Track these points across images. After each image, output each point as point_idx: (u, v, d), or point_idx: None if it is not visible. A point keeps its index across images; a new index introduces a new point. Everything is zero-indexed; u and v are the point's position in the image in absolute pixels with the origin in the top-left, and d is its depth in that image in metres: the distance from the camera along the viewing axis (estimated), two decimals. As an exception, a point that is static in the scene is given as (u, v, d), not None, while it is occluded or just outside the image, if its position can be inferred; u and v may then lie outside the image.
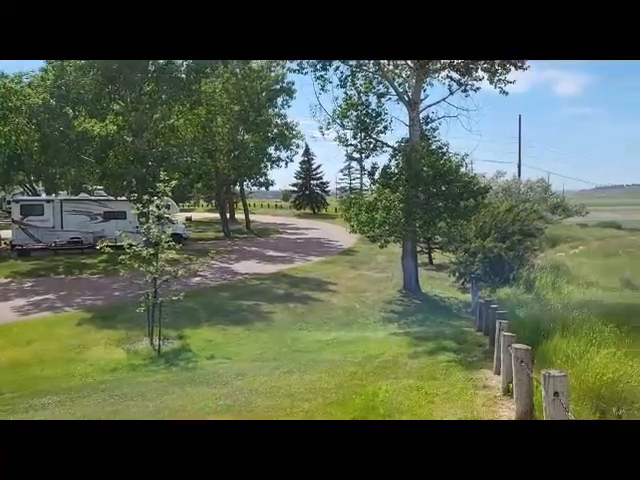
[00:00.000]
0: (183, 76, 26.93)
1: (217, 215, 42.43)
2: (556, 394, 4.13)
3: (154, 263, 12.61)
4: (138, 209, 13.88)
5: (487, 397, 7.08)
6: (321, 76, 19.76)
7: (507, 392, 6.98)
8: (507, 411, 6.36)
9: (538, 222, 28.62)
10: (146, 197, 14.41)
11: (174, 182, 13.89)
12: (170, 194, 13.83)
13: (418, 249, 24.62)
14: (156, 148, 27.28)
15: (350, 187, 56.14)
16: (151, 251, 12.64)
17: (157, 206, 13.11)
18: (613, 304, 14.94)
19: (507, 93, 19.16)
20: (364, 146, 20.53)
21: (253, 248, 31.63)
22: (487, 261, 20.56)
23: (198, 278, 20.30)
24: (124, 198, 26.59)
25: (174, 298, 12.57)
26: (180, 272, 12.85)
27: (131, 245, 12.49)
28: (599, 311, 12.63)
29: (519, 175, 47.52)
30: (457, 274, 21.86)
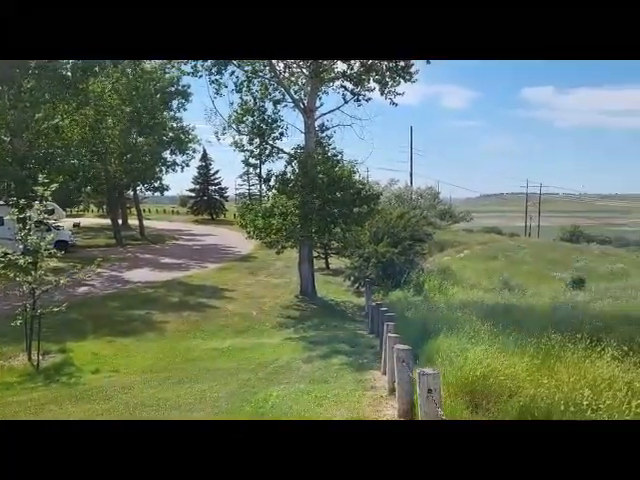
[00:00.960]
0: (69, 74, 25.36)
1: (108, 221, 40.31)
2: (430, 391, 4.35)
3: (32, 272, 11.70)
4: (15, 214, 12.83)
5: (373, 397, 7.32)
6: (216, 80, 19.53)
7: (392, 392, 7.24)
8: (391, 410, 6.60)
9: (427, 228, 30.22)
10: (23, 201, 13.35)
11: (54, 185, 12.96)
12: (50, 198, 12.91)
13: (315, 254, 25.02)
14: (38, 149, 25.41)
15: (249, 193, 55.72)
16: (29, 259, 11.72)
17: (37, 211, 12.19)
18: (492, 304, 16.08)
19: (396, 104, 20.04)
20: (260, 152, 20.52)
21: (147, 255, 30.39)
22: (380, 265, 21.35)
23: (85, 288, 19.14)
24: (1, 202, 24.49)
25: (55, 309, 11.74)
26: (62, 281, 12.01)
27: (6, 253, 11.51)
28: (479, 310, 13.55)
29: (411, 183, 49.86)
30: (352, 278, 22.47)
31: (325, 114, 20.74)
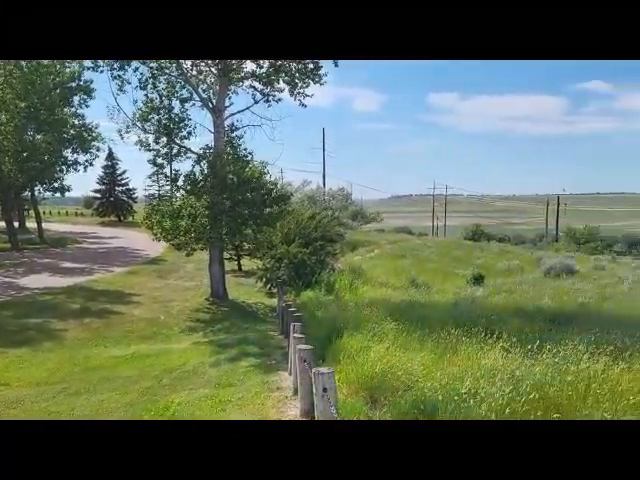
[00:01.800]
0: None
1: (2, 224, 37.45)
2: (325, 390, 4.40)
3: None
4: None
5: (278, 399, 7.31)
6: (119, 76, 18.71)
7: (297, 392, 7.28)
8: (294, 410, 6.63)
9: (339, 228, 30.75)
10: None
11: None
12: None
13: (227, 256, 24.66)
14: None
15: (159, 194, 54.05)
16: None
17: None
18: (398, 301, 16.65)
19: (305, 105, 20.20)
20: (167, 151, 19.92)
21: (46, 260, 28.54)
22: (292, 266, 21.42)
23: (-27, 296, 17.67)
24: None
25: None
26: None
27: None
28: (386, 308, 13.97)
29: (324, 184, 50.53)
30: (264, 279, 22.37)
31: (235, 114, 20.51)
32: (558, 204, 64.74)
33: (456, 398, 5.04)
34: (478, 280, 23.51)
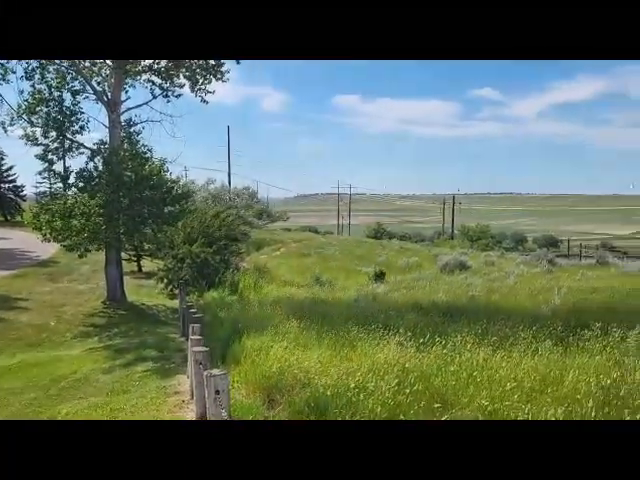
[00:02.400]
0: None
1: None
2: (217, 392, 4.34)
3: None
4: None
5: (175, 403, 7.12)
6: (1, 64, 17.26)
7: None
8: (191, 414, 6.48)
9: (244, 227, 30.48)
10: None
11: None
12: None
13: (127, 257, 23.63)
14: None
15: (50, 192, 50.58)
16: None
17: None
18: (302, 299, 16.81)
19: (207, 102, 19.81)
20: (58, 146, 18.68)
21: None
22: (195, 266, 20.91)
23: None
24: None
25: None
26: None
27: None
28: (290, 306, 14.05)
29: (229, 183, 49.86)
30: (165, 280, 21.65)
31: (132, 109, 19.65)
32: (453, 203, 68.47)
33: (348, 393, 5.18)
34: (379, 277, 24.27)
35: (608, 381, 5.03)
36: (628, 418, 4.36)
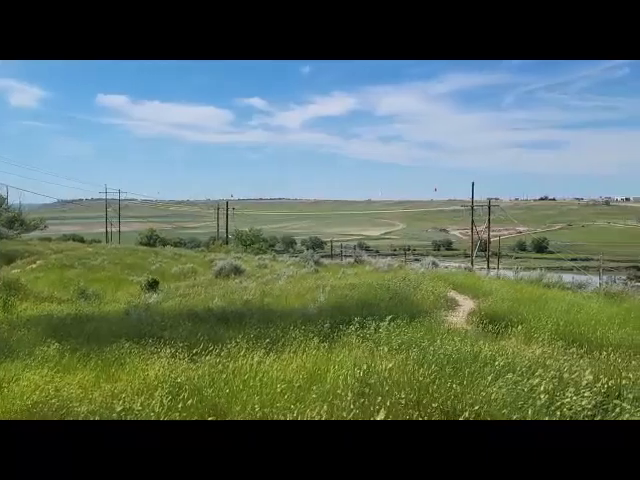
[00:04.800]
0: None
1: None
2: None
3: None
4: None
5: None
6: None
7: None
8: None
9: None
10: None
11: None
12: None
13: None
14: None
15: None
16: None
17: None
18: (64, 316, 15.16)
19: None
20: None
21: None
22: None
23: None
24: None
25: None
26: None
27: None
28: (49, 326, 12.54)
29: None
30: None
31: None
32: (227, 208, 69.49)
33: (114, 418, 4.79)
34: (152, 286, 23.29)
35: (361, 373, 5.58)
36: (388, 404, 4.87)
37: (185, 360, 7.33)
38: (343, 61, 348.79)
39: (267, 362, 6.66)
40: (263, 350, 7.80)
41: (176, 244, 61.60)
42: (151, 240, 59.82)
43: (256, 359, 6.83)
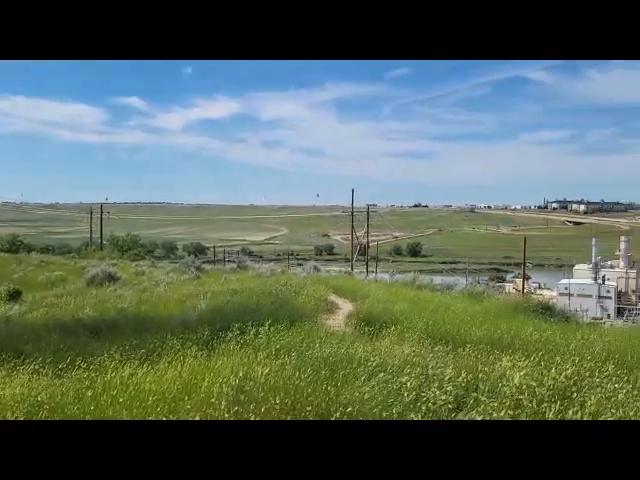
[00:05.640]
0: None
1: None
2: None
3: None
4: None
5: None
6: None
7: None
8: None
9: None
10: None
11: None
12: None
13: None
14: None
15: None
16: None
17: None
18: None
19: None
20: None
21: None
22: None
23: None
24: None
25: None
26: None
27: None
28: None
29: None
30: None
31: None
32: (102, 212, 65.65)
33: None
34: (14, 296, 21.34)
35: (237, 380, 5.55)
36: (262, 410, 4.89)
37: (49, 376, 6.79)
38: (227, 65, 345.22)
39: (140, 374, 6.37)
40: (137, 361, 7.46)
41: (43, 250, 56.93)
42: (13, 246, 54.71)
43: (128, 371, 6.51)
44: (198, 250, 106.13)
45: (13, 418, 4.75)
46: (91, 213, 67.42)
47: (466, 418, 5.19)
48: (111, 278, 26.26)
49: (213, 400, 5.02)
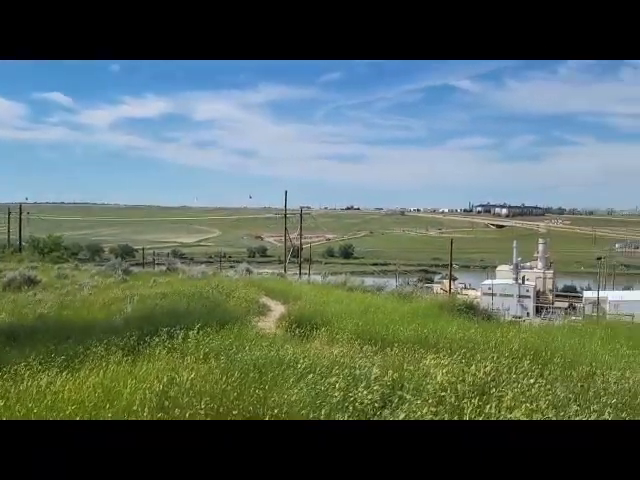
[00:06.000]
0: None
1: None
2: None
3: None
4: None
5: None
6: None
7: None
8: None
9: None
10: None
11: None
12: None
13: None
14: None
15: None
16: None
17: None
18: None
19: None
20: None
21: None
22: None
23: None
24: None
25: None
26: None
27: None
28: None
29: None
30: None
31: None
32: (20, 212, 62.13)
33: None
34: None
35: (161, 386, 5.43)
36: (187, 415, 4.78)
37: None
38: (156, 63, 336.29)
39: (59, 382, 6.08)
40: (56, 369, 7.12)
41: None
42: None
43: (45, 380, 6.20)
44: (126, 252, 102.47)
45: None
46: (9, 213, 63.63)
47: (391, 417, 5.32)
48: (31, 282, 24.85)
49: (135, 407, 4.87)
